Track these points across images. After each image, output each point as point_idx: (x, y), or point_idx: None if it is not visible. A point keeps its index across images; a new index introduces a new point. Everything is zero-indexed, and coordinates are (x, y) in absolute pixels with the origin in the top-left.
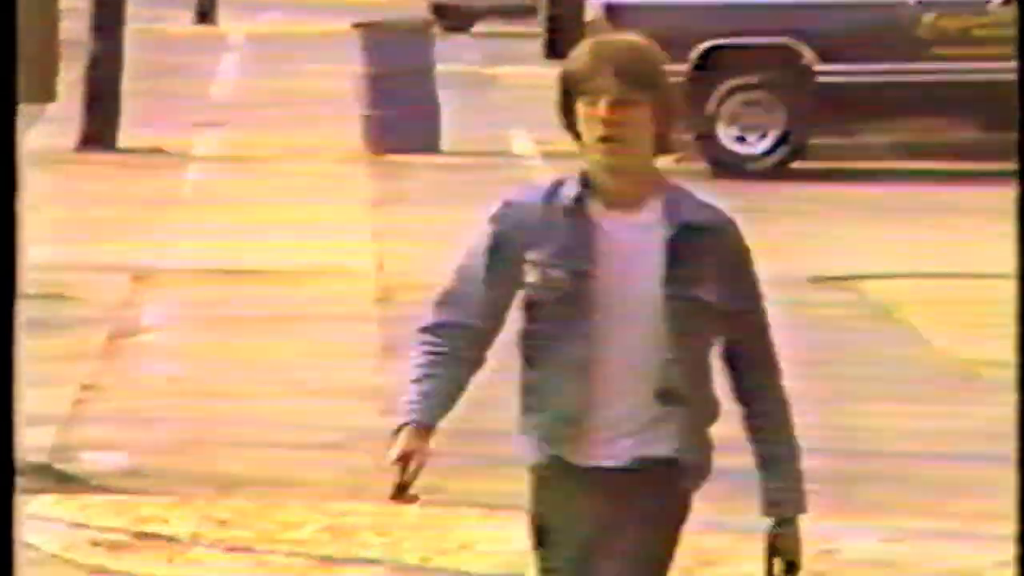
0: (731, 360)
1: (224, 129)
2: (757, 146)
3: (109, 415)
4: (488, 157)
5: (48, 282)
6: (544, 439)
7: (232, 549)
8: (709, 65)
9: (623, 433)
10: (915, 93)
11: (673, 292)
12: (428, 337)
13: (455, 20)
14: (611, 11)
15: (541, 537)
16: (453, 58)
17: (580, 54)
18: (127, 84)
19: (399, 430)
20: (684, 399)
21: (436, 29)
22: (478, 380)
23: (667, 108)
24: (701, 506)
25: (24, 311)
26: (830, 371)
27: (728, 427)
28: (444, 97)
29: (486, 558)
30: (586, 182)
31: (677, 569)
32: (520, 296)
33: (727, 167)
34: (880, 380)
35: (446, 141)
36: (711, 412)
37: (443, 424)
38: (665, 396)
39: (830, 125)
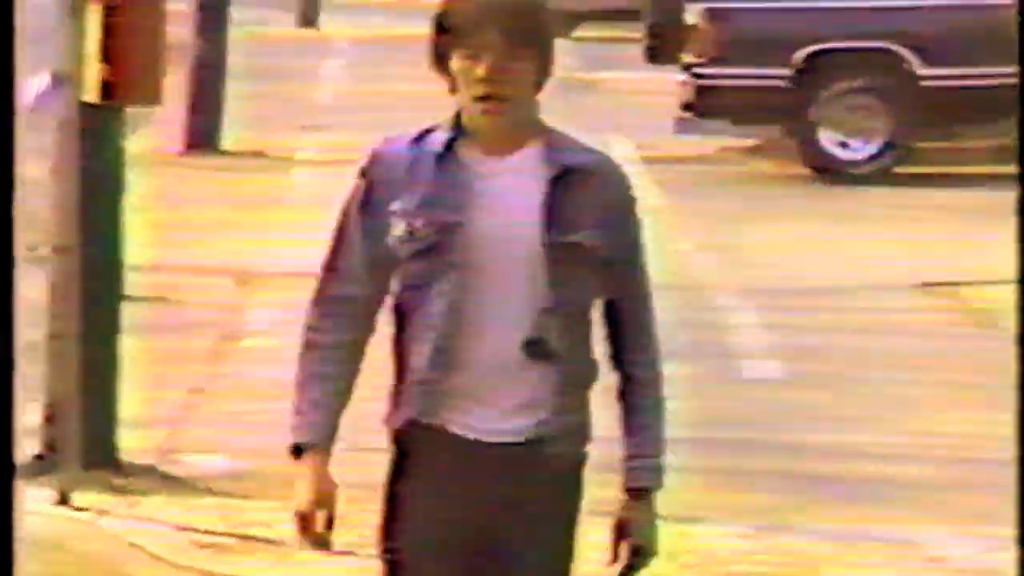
0: (608, 318)
1: (327, 132)
2: (860, 151)
3: (215, 419)
4: None
5: (154, 285)
6: (407, 403)
7: (335, 553)
8: (812, 69)
9: (490, 398)
10: (1018, 96)
11: (552, 238)
12: (315, 321)
13: (556, 25)
14: (713, 15)
15: (393, 511)
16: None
17: None
18: (230, 87)
19: (296, 451)
20: (555, 354)
21: None
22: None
23: (549, 58)
24: (802, 512)
25: (130, 314)
26: (933, 378)
27: (824, 436)
28: (544, 102)
29: (594, 563)
30: (458, 127)
31: None
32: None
33: (828, 172)
34: (984, 388)
35: None
36: (587, 373)
37: None
38: (534, 348)
39: (933, 129)
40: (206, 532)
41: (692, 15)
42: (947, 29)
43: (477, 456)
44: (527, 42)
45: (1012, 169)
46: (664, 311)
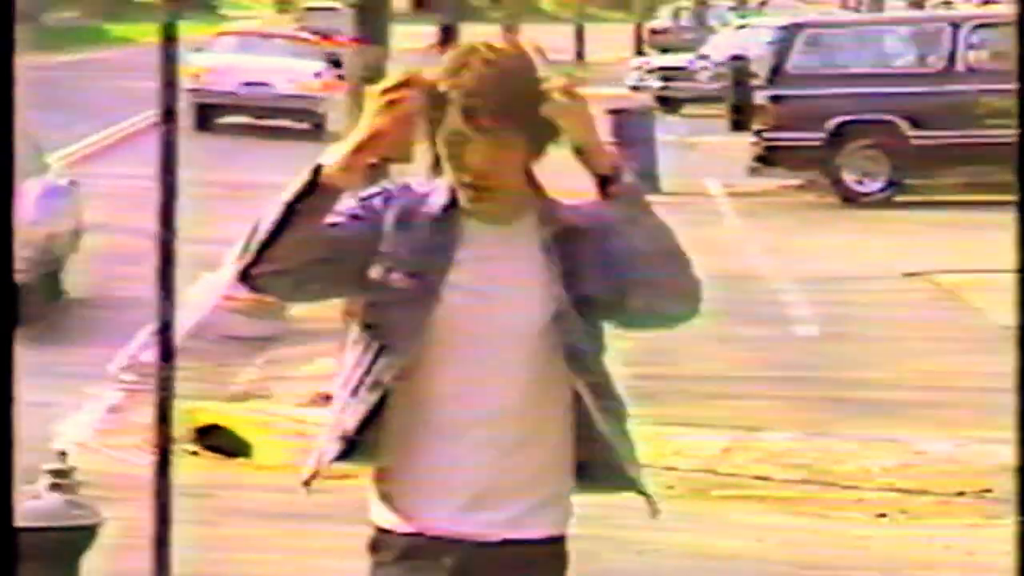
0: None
1: None
2: (871, 187)
3: None
4: (690, 197)
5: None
6: (383, 500)
7: None
8: (838, 133)
9: (449, 483)
10: (974, 151)
11: (562, 293)
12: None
13: (670, 106)
14: (774, 98)
15: None
16: (668, 131)
17: (446, 68)
18: None
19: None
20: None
21: (658, 112)
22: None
23: (542, 136)
24: (833, 424)
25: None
26: (918, 334)
27: None
28: (661, 157)
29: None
30: (454, 195)
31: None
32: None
33: (850, 200)
34: (952, 339)
35: (663, 184)
36: (573, 446)
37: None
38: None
39: (919, 172)
40: None
41: (760, 98)
42: (929, 105)
43: (467, 560)
44: (518, 129)
45: (973, 197)
46: (743, 292)
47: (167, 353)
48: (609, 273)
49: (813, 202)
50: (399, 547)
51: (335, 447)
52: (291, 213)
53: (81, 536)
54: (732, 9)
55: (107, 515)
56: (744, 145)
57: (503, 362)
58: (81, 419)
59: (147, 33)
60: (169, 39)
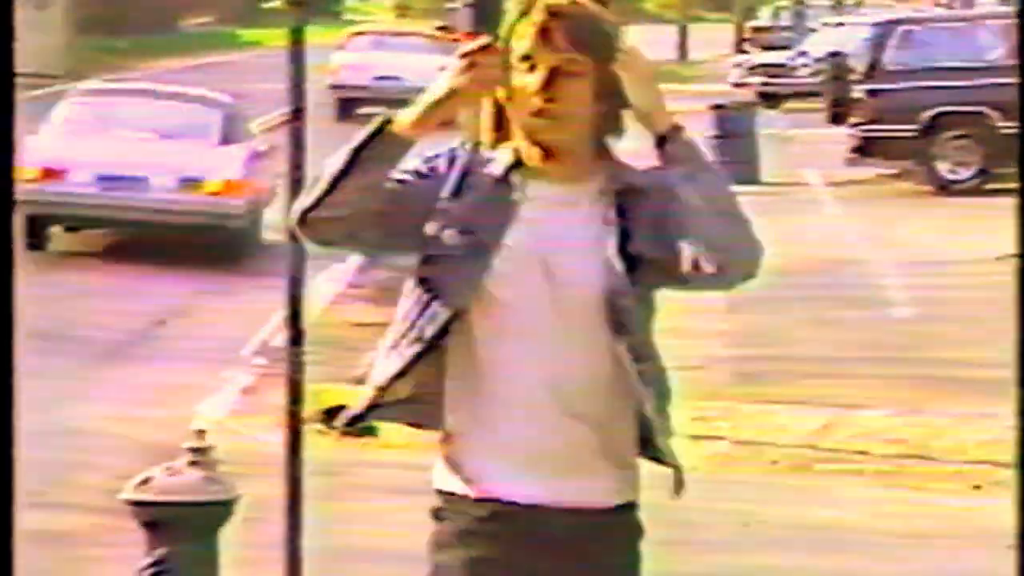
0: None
1: None
2: (962, 175)
3: None
4: (790, 187)
5: None
6: (449, 465)
7: None
8: (932, 125)
9: (546, 463)
10: (1019, 95)
11: (616, 266)
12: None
13: (771, 101)
14: (871, 92)
15: None
16: (769, 125)
17: (518, 9)
18: None
19: (383, 125)
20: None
21: (759, 107)
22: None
23: (611, 83)
24: (927, 401)
25: None
26: (1005, 315)
27: None
28: (763, 150)
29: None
30: (517, 159)
31: None
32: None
33: (943, 189)
34: None
35: (764, 175)
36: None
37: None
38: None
39: (1009, 160)
40: None
41: (857, 93)
42: (1014, 96)
43: (521, 525)
44: (584, 55)
45: None
46: (841, 276)
47: (297, 338)
48: (665, 232)
49: (908, 190)
50: (466, 512)
51: (368, 397)
52: (357, 160)
53: (219, 510)
54: (829, 8)
55: (242, 491)
56: (842, 137)
57: (564, 326)
58: (218, 400)
59: (275, 38)
60: (297, 43)
